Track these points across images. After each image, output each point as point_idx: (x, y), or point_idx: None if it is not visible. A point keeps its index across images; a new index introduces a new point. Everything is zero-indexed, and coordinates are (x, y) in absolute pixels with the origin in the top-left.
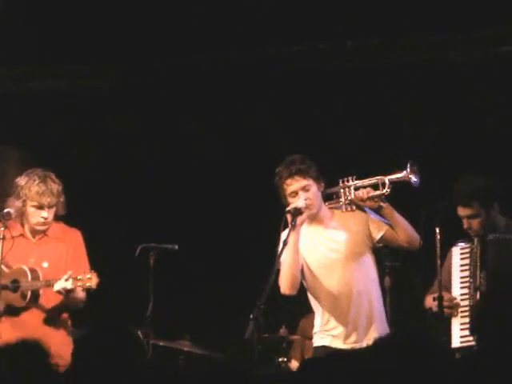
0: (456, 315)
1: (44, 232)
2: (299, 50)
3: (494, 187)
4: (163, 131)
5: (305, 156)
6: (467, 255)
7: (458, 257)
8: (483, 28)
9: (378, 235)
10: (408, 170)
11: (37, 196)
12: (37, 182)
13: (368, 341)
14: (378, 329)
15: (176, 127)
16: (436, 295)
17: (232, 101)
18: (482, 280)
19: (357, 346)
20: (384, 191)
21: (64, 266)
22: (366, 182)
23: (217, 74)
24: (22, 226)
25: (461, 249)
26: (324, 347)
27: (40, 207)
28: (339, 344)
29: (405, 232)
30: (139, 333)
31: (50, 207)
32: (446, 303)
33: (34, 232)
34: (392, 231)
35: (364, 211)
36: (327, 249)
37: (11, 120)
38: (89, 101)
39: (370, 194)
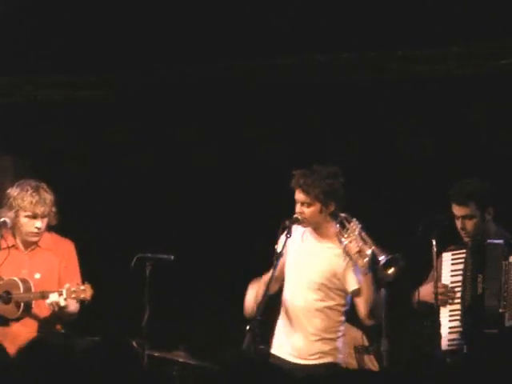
0: (446, 305)
1: (36, 242)
2: (295, 61)
3: (492, 192)
4: (160, 142)
5: (329, 173)
6: (460, 260)
7: (449, 262)
8: (481, 41)
9: (348, 288)
10: (384, 261)
11: (30, 206)
12: (30, 192)
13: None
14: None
15: (173, 138)
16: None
17: (230, 111)
18: (479, 283)
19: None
20: (364, 263)
21: (56, 278)
22: (357, 236)
23: (214, 84)
24: (14, 237)
25: (452, 254)
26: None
27: (34, 217)
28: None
29: (365, 308)
30: (134, 343)
31: (43, 217)
32: (440, 290)
33: (26, 243)
34: (357, 296)
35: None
36: (306, 261)
37: (8, 130)
38: (86, 111)
39: (356, 256)
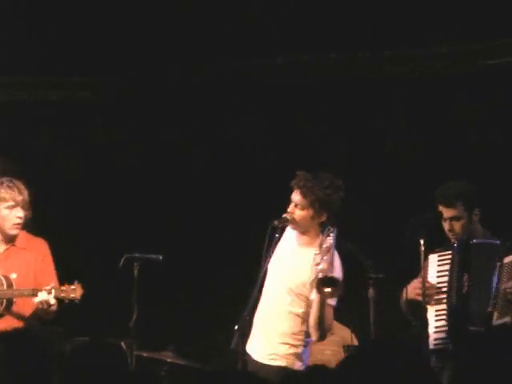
0: (432, 303)
1: (13, 239)
2: (285, 61)
3: (478, 193)
4: (148, 142)
5: (331, 183)
6: (447, 261)
7: (435, 263)
8: (470, 41)
9: (310, 297)
10: (321, 277)
11: (10, 195)
12: (6, 183)
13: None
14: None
15: (161, 138)
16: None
17: (218, 111)
18: (465, 282)
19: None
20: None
21: (33, 277)
22: (323, 250)
23: (204, 84)
24: None
25: (438, 255)
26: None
27: (15, 206)
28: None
29: (312, 320)
30: (122, 344)
31: (23, 206)
32: (427, 290)
33: (3, 241)
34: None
35: None
36: (284, 262)
37: None
38: (74, 111)
39: (314, 268)
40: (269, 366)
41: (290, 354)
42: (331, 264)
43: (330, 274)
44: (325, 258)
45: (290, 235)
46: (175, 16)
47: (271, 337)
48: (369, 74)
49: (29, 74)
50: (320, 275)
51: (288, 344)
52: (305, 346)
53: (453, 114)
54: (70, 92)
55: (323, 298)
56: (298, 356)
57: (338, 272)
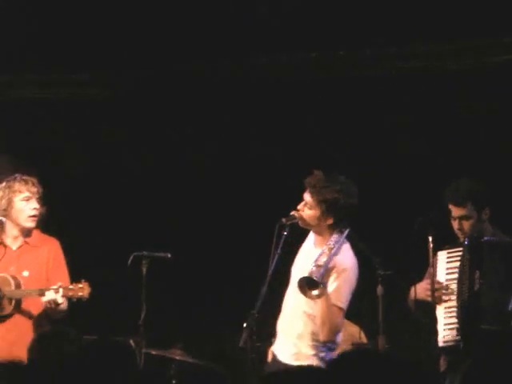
0: (442, 302)
1: (27, 236)
2: (291, 58)
3: (488, 192)
4: (154, 140)
5: (343, 189)
6: (456, 258)
7: (444, 261)
8: (474, 37)
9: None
10: (307, 276)
11: (24, 187)
12: (18, 178)
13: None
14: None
15: (167, 136)
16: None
17: (224, 110)
18: (476, 279)
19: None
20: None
21: (45, 275)
22: (323, 251)
23: (209, 83)
24: (2, 234)
25: (448, 252)
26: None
27: (30, 197)
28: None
29: (318, 320)
30: (131, 341)
31: (37, 198)
32: (436, 290)
33: (18, 237)
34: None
35: None
36: (301, 262)
37: (5, 129)
38: (78, 110)
39: (310, 270)
40: (290, 365)
41: (311, 355)
42: (324, 266)
43: (313, 276)
44: (323, 259)
45: (311, 236)
46: (179, 14)
47: (290, 337)
48: (371, 71)
49: (35, 73)
50: (306, 274)
51: (307, 344)
52: (326, 347)
53: (459, 111)
54: (78, 90)
55: (305, 296)
56: (321, 359)
57: (342, 268)
